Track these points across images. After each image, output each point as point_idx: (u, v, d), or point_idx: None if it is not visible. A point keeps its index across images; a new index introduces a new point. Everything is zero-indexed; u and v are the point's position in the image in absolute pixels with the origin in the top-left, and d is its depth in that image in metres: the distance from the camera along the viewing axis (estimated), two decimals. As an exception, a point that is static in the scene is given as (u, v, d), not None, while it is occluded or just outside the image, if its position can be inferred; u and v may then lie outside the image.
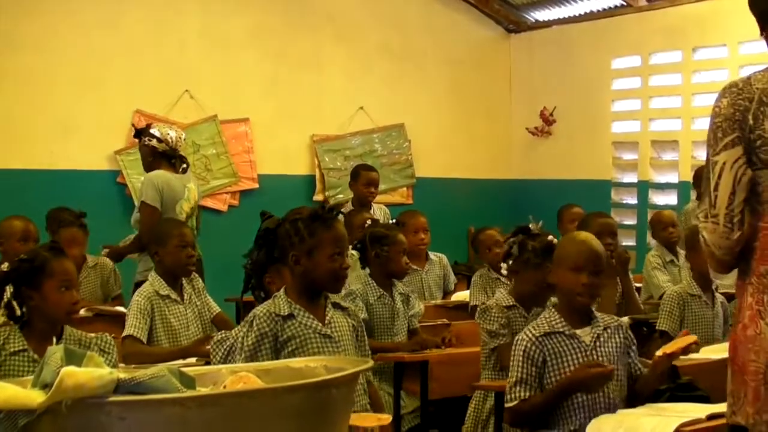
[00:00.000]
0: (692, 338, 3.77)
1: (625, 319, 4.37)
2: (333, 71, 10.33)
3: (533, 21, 11.39)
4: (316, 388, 2.20)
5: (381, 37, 10.64)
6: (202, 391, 2.23)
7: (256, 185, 9.82)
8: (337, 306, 3.76)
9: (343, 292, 5.47)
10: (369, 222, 6.26)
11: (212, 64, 9.61)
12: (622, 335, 3.91)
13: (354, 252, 6.05)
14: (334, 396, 2.21)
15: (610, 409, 3.69)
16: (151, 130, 6.77)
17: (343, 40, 10.40)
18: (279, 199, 9.63)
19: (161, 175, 6.64)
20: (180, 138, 6.86)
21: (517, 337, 3.85)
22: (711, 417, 3.34)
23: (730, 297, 5.99)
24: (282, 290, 3.69)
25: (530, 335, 3.80)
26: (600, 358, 3.75)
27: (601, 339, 3.83)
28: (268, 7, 9.97)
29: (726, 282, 6.39)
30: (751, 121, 2.81)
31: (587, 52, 10.76)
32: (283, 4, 10.07)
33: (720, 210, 2.80)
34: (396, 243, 5.55)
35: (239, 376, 2.43)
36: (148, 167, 6.78)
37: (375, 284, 5.51)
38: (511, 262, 4.79)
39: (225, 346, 4.20)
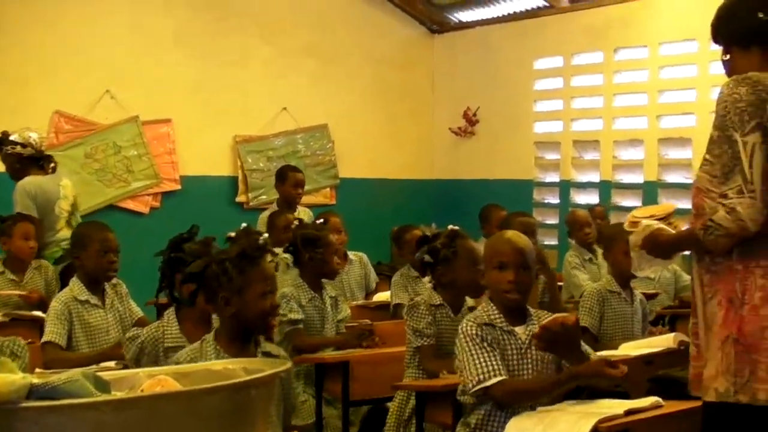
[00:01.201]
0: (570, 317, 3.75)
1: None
2: (257, 72, 10.29)
3: (456, 21, 11.45)
4: (234, 390, 2.19)
5: (305, 38, 10.62)
6: (117, 395, 2.21)
7: (179, 186, 9.74)
8: (267, 355, 3.59)
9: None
10: (295, 222, 6.24)
11: (134, 64, 9.50)
12: None
13: (285, 255, 6.04)
14: (252, 397, 2.20)
15: (533, 406, 3.70)
16: (11, 138, 6.69)
17: (267, 41, 10.37)
18: (201, 200, 9.61)
19: (32, 181, 6.59)
20: (42, 138, 6.79)
21: (461, 327, 3.78)
22: (629, 412, 3.37)
23: (648, 296, 6.09)
24: (211, 335, 3.57)
25: (474, 323, 3.76)
26: (534, 356, 3.75)
27: None
28: (192, 7, 9.90)
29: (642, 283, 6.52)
30: None
31: (510, 53, 10.84)
32: (208, 5, 10.00)
33: (757, 186, 3.09)
34: (328, 244, 5.58)
35: (157, 380, 2.41)
36: (17, 175, 6.69)
37: (306, 286, 5.51)
38: (430, 272, 4.84)
39: (137, 343, 4.19)
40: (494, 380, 3.62)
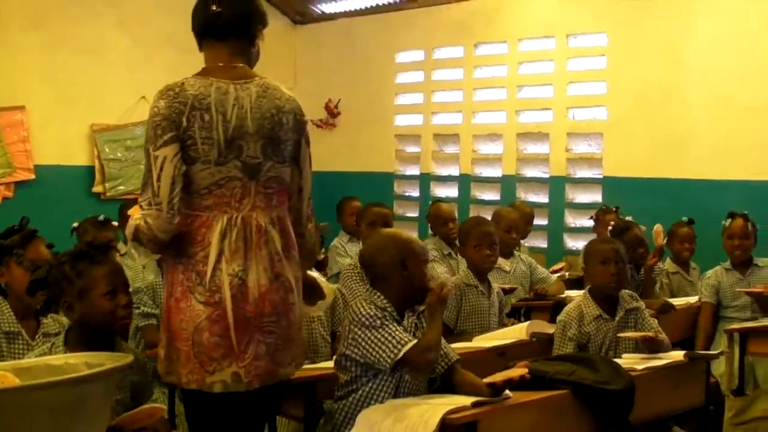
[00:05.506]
0: (522, 371, 3.77)
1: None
2: (114, 59, 10.07)
3: (319, 13, 11.42)
4: (70, 384, 2.15)
5: (165, 26, 10.43)
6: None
7: (33, 176, 9.48)
8: None
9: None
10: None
11: (-15, 49, 9.23)
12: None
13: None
14: (89, 392, 2.17)
15: (383, 399, 3.72)
16: None
17: (125, 28, 10.17)
18: (57, 190, 9.40)
19: None
20: None
21: (355, 314, 3.83)
22: (476, 404, 3.41)
23: (506, 291, 6.18)
24: (60, 338, 3.42)
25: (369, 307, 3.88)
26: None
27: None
28: (45, -9, 9.65)
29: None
30: (184, 123, 3.31)
31: (372, 46, 10.87)
32: (63, -11, 9.76)
33: (163, 199, 3.24)
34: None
35: (-5, 375, 2.35)
36: None
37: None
38: None
39: None
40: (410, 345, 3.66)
